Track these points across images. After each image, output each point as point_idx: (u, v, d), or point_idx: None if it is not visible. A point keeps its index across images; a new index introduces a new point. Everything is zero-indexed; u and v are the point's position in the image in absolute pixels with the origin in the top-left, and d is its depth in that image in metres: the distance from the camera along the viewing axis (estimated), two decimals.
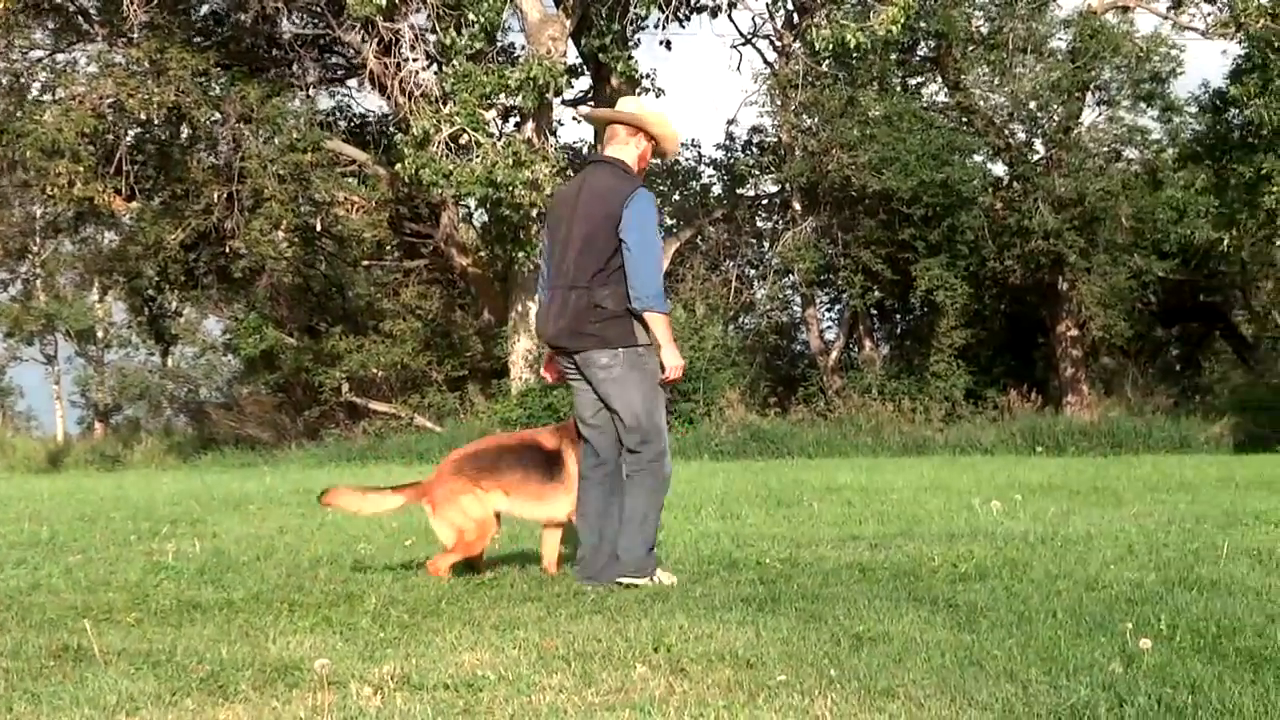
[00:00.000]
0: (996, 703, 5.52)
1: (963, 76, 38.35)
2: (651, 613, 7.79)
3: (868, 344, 40.12)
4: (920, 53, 40.17)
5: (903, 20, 30.97)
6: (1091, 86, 37.81)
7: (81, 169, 33.09)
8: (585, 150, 43.16)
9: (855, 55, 32.28)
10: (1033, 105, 37.53)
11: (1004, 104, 38.11)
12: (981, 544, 10.75)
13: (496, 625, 7.54)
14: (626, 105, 10.18)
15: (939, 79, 40.39)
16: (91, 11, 36.16)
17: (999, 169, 39.38)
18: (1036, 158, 38.11)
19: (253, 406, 47.54)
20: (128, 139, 35.38)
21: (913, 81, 40.76)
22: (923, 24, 36.89)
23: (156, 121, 34.85)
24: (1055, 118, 37.65)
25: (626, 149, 9.85)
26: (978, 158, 37.49)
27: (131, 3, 31.91)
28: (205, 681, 6.20)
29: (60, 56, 37.30)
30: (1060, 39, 38.11)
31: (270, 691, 6.00)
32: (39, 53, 37.07)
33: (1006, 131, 38.45)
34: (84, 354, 70.31)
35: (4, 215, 38.58)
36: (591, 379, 9.41)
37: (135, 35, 34.36)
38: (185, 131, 37.06)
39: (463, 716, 5.54)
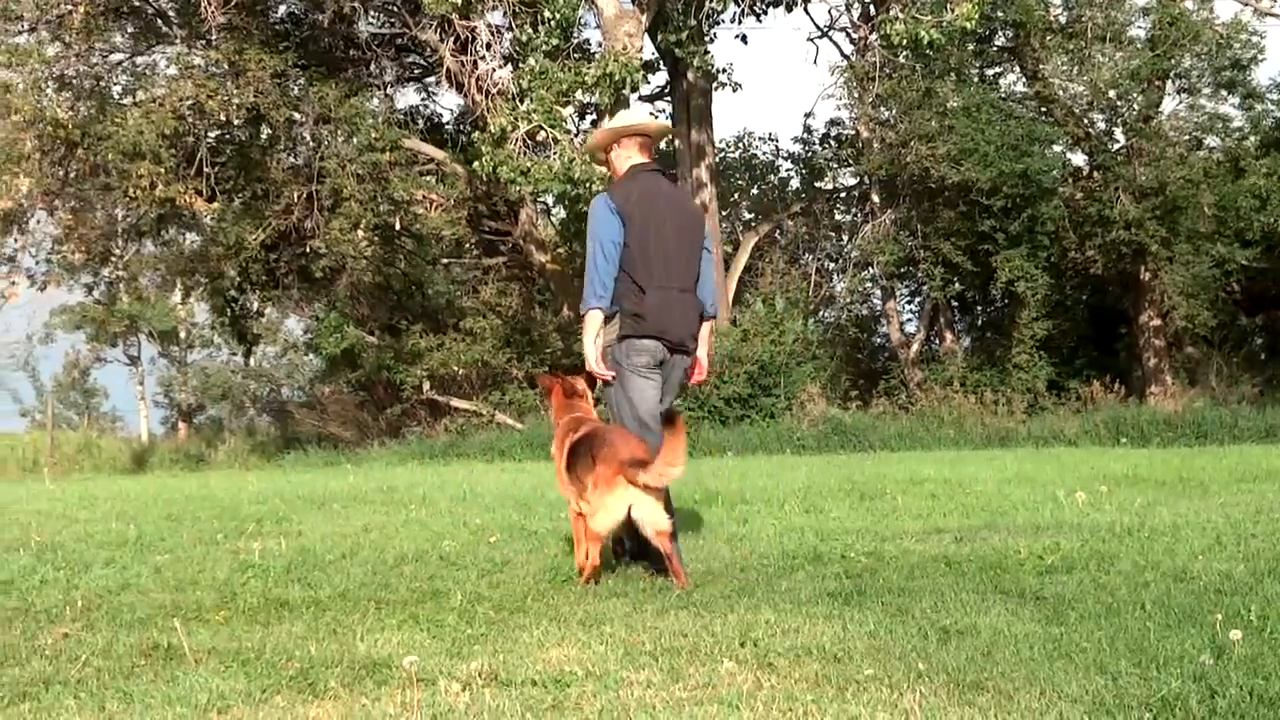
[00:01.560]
0: (1087, 695, 5.48)
1: (1041, 66, 38.11)
2: (738, 608, 7.78)
3: (949, 336, 39.92)
4: (998, 43, 39.93)
5: (976, 16, 30.78)
6: (1171, 74, 37.49)
7: (163, 171, 33.28)
8: (663, 146, 43.15)
9: (930, 49, 32.08)
10: (1112, 94, 37.24)
11: (1083, 93, 37.83)
12: (1067, 536, 10.66)
13: (583, 621, 7.55)
14: (636, 115, 10.81)
15: (1017, 69, 40.16)
16: (170, 14, 36.36)
17: (1079, 159, 39.13)
18: (1117, 147, 37.80)
19: (335, 405, 47.81)
20: (208, 140, 35.56)
21: (991, 72, 40.52)
22: (1000, 14, 36.67)
23: (236, 122, 35.06)
24: (1135, 106, 37.33)
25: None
26: (1057, 148, 37.18)
27: (209, 5, 32.07)
28: (295, 679, 6.23)
29: (140, 59, 37.50)
30: (1139, 27, 37.84)
31: (359, 689, 6.03)
32: (119, 56, 37.30)
33: (1086, 121, 38.18)
34: (167, 355, 70.94)
35: (87, 218, 38.77)
36: (671, 378, 10.08)
37: (214, 37, 34.54)
38: (265, 132, 37.27)
39: (551, 713, 5.55)
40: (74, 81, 35.25)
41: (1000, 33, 39.11)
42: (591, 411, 10.12)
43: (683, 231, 10.14)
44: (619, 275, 9.90)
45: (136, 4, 36.38)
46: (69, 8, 33.45)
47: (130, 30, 36.96)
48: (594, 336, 9.88)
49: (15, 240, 41.63)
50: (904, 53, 34.21)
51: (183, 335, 69.83)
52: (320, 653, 6.81)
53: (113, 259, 44.20)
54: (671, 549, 9.13)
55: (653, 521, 9.08)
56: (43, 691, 6.18)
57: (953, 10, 30.39)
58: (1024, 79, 39.85)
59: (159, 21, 35.86)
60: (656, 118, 11.01)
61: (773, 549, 10.61)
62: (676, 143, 38.08)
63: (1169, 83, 37.83)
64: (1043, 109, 38.21)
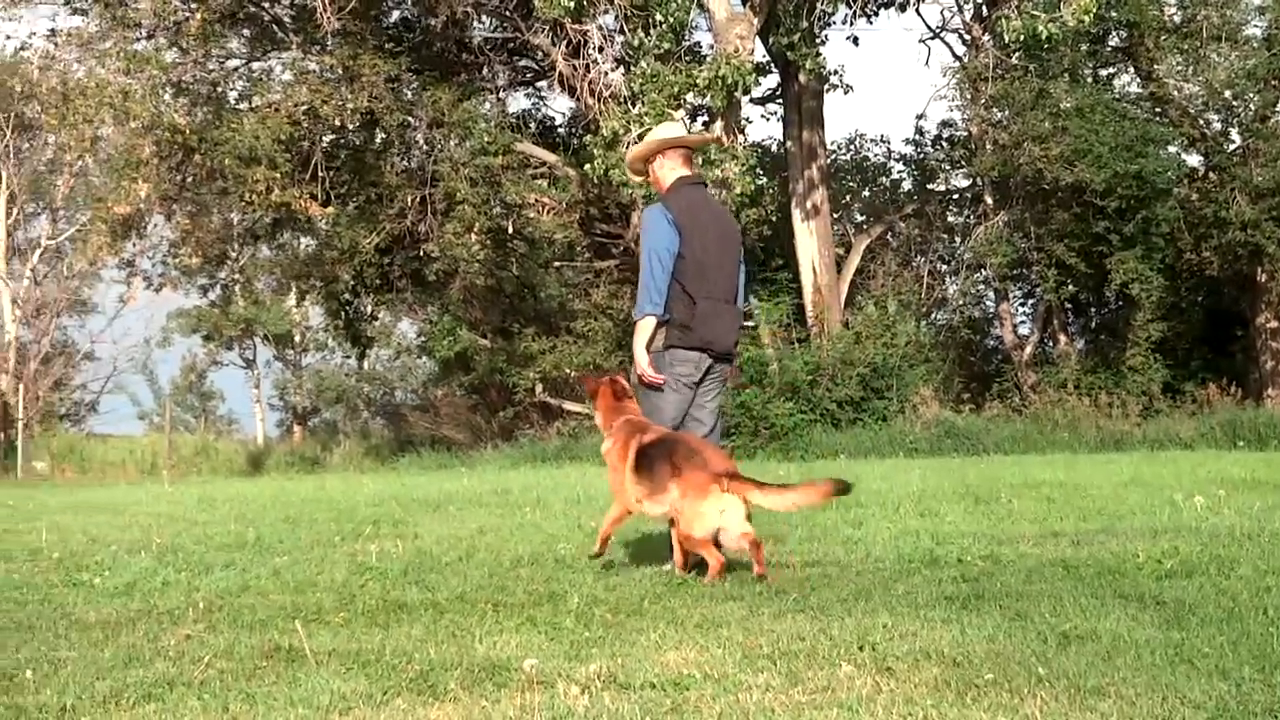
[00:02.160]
0: (1210, 701, 5.44)
1: (1155, 66, 37.81)
2: (855, 611, 7.76)
3: (1062, 338, 39.67)
4: (1112, 43, 39.63)
5: (1094, 10, 30.52)
6: None
7: (278, 175, 33.61)
8: (774, 148, 43.12)
9: (1045, 47, 31.83)
10: (1228, 94, 36.90)
11: (1198, 93, 37.52)
12: (1186, 540, 10.55)
13: (700, 624, 7.55)
14: (677, 129, 11.48)
15: (1131, 69, 39.86)
16: (286, 20, 36.67)
17: (1194, 160, 38.77)
18: (1232, 148, 37.45)
19: (448, 408, 48.11)
20: (323, 145, 35.86)
21: (1104, 72, 40.23)
22: (1114, 14, 36.35)
23: (350, 127, 35.34)
24: (1251, 106, 36.95)
25: None
26: (1172, 149, 36.89)
27: (325, 11, 32.31)
28: (415, 681, 6.27)
29: (256, 65, 37.88)
30: (1256, 26, 37.48)
31: (479, 691, 6.05)
32: (235, 61, 37.69)
33: (1201, 121, 37.85)
34: (282, 358, 71.63)
35: (203, 222, 39.25)
36: (713, 385, 10.53)
37: (328, 43, 34.82)
38: (379, 137, 37.53)
39: (670, 716, 5.55)
40: (191, 87, 35.66)
41: (1114, 33, 38.83)
42: (639, 413, 10.26)
43: (725, 243, 10.45)
44: (671, 284, 10.16)
45: (253, 10, 36.75)
46: (186, 14, 33.85)
47: (246, 36, 37.34)
48: (646, 342, 10.18)
49: (134, 245, 42.21)
50: (1017, 53, 33.98)
51: (297, 339, 70.45)
52: (440, 655, 6.85)
53: (228, 263, 44.70)
54: (758, 552, 9.43)
55: (741, 529, 9.40)
56: (167, 692, 6.24)
57: (1068, 7, 30.15)
58: (1138, 79, 39.56)
59: (275, 27, 36.18)
60: (690, 130, 11.46)
61: (888, 552, 10.57)
62: (788, 145, 38.05)
63: None
64: (1157, 110, 37.91)
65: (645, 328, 10.13)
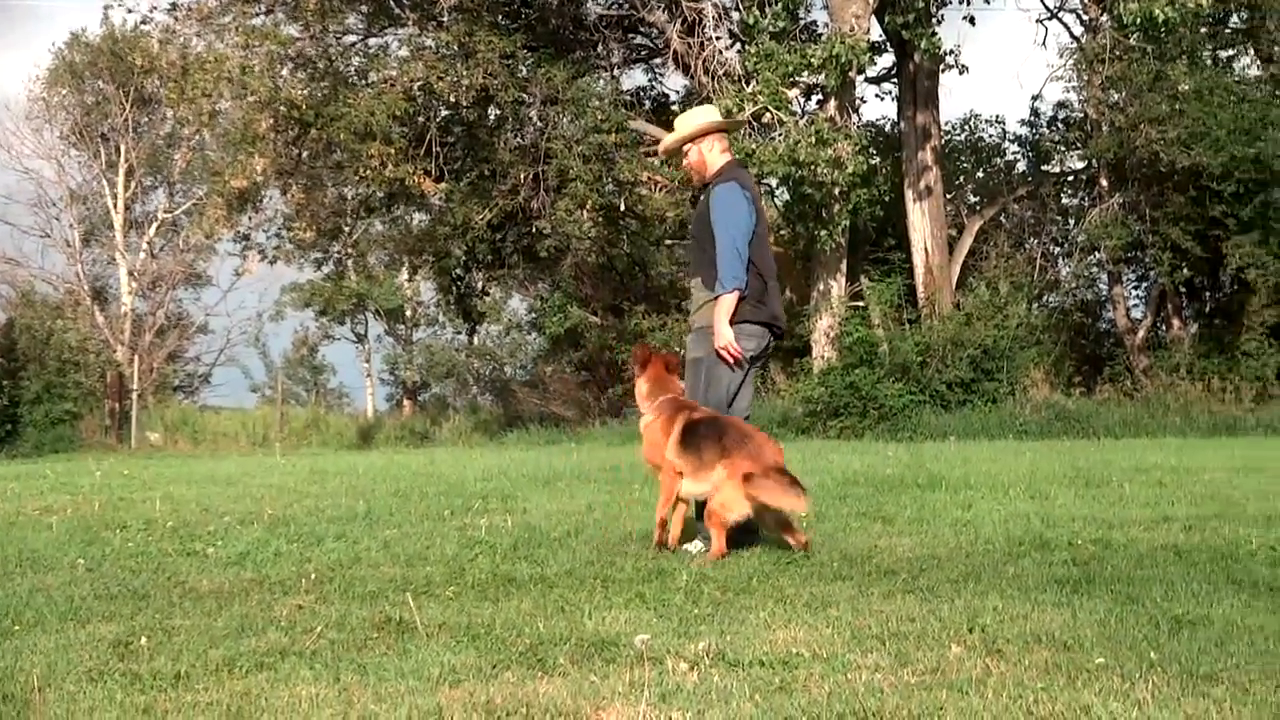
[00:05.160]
0: None
1: (1276, 48, 37.33)
2: (964, 593, 7.75)
3: (1176, 322, 39.30)
4: (1232, 25, 39.16)
5: None
6: None
7: (393, 151, 33.81)
8: (888, 128, 42.95)
9: (1164, 29, 31.51)
10: None
11: None
12: None
13: (809, 603, 7.56)
14: (705, 114, 11.24)
15: (1251, 52, 39.38)
16: None
17: None
18: None
19: (557, 384, 48.24)
20: (437, 121, 36.02)
21: (1224, 54, 39.76)
22: None
23: (465, 104, 35.40)
24: None
25: None
26: None
27: None
28: (524, 655, 6.31)
29: (373, 40, 38.09)
30: None
31: (588, 666, 6.09)
32: (352, 37, 37.89)
33: None
34: (393, 333, 72.04)
35: (318, 196, 39.45)
36: (759, 367, 10.87)
37: (445, 19, 34.95)
38: (492, 113, 37.63)
39: (779, 694, 5.56)
40: (308, 63, 35.87)
41: (1235, 14, 38.34)
42: (682, 391, 10.48)
43: (766, 224, 10.73)
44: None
45: None
46: None
47: (364, 12, 37.51)
48: (729, 316, 10.22)
49: (249, 219, 42.54)
50: (1135, 34, 33.65)
51: (409, 313, 70.81)
52: (549, 629, 6.89)
53: (342, 237, 44.97)
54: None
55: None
56: (279, 662, 6.32)
57: None
58: (1258, 62, 39.06)
59: (391, 3, 36.30)
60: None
61: (998, 535, 10.53)
62: (902, 124, 37.88)
63: None
64: (1277, 93, 37.41)
65: (730, 302, 10.20)
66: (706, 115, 11.08)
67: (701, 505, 9.91)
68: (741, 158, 9.97)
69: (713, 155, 10.74)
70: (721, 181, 10.48)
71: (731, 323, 10.21)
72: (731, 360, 10.27)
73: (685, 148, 10.87)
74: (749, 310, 10.29)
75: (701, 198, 10.80)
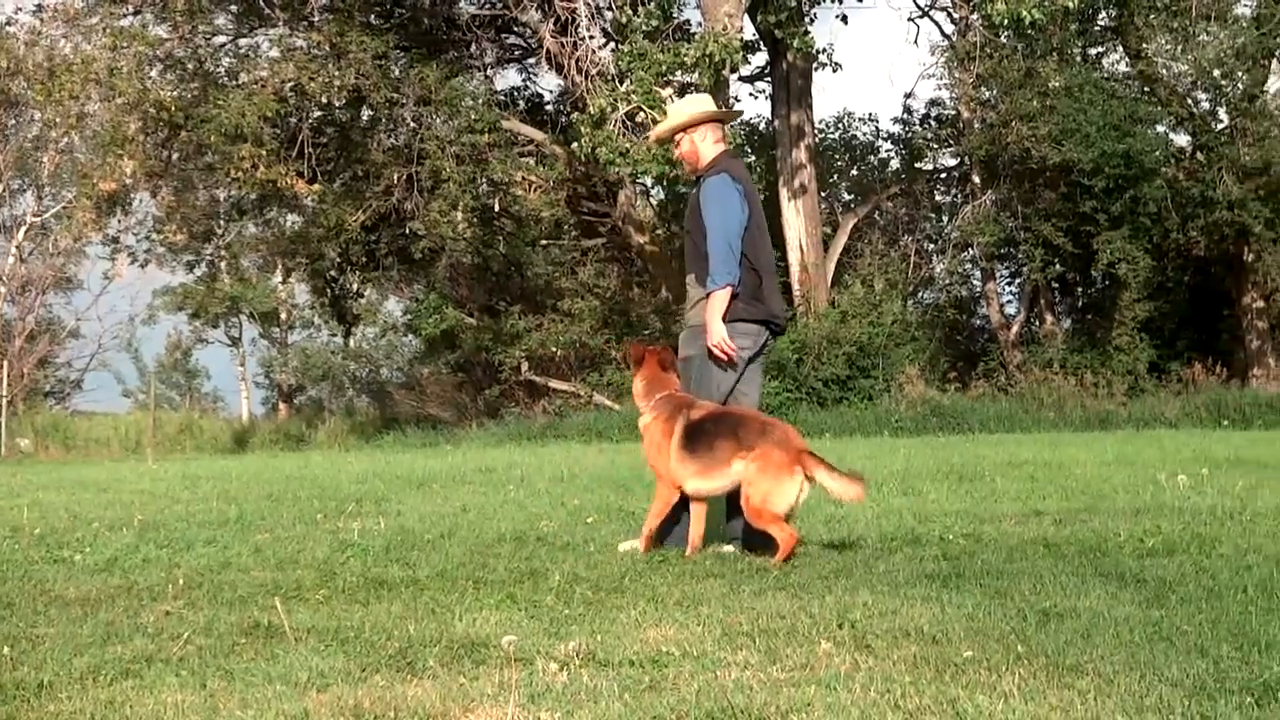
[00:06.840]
0: (1187, 678, 5.42)
1: (1144, 45, 37.82)
2: (835, 589, 7.75)
3: (1049, 318, 39.74)
4: (1100, 22, 39.61)
5: None
6: (1277, 53, 37.09)
7: (264, 152, 33.56)
8: (762, 127, 43.11)
9: (1033, 28, 31.84)
10: (1217, 73, 36.90)
11: (1187, 72, 37.55)
12: (1168, 519, 10.59)
13: (680, 602, 7.53)
14: (699, 103, 11.07)
15: (1120, 48, 39.86)
16: None
17: (1182, 139, 38.82)
18: (1220, 127, 37.49)
19: (433, 386, 48.17)
20: (309, 122, 35.82)
21: (1093, 51, 40.23)
22: None
23: (337, 104, 35.26)
24: (1240, 85, 36.97)
25: None
26: (1160, 128, 36.97)
27: None
28: (394, 658, 6.25)
29: (243, 41, 37.81)
30: (1245, 4, 37.58)
31: (458, 668, 6.03)
32: (222, 38, 37.60)
33: (1189, 101, 37.87)
34: (268, 336, 71.60)
35: (189, 199, 39.15)
36: (762, 362, 10.44)
37: (316, 19, 34.77)
38: (365, 114, 37.48)
39: (649, 693, 5.53)
40: (177, 64, 35.56)
41: (1103, 11, 38.78)
42: (679, 388, 10.06)
43: (762, 215, 10.35)
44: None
45: None
46: None
47: (233, 12, 37.25)
48: (722, 313, 9.89)
49: (119, 221, 42.08)
50: (1005, 32, 33.97)
51: (283, 316, 70.38)
52: (419, 632, 6.83)
53: (214, 240, 44.62)
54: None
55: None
56: (145, 669, 6.22)
57: None
58: (1127, 59, 39.57)
59: (261, 3, 36.06)
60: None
61: (870, 531, 10.57)
62: (776, 123, 38.05)
63: (1274, 61, 37.43)
64: (1145, 89, 37.94)
65: (724, 299, 9.85)
66: (700, 104, 10.84)
67: (730, 503, 9.79)
68: (735, 148, 9.66)
69: (705, 146, 10.38)
70: (713, 173, 10.22)
71: (725, 321, 9.91)
72: (725, 360, 9.99)
73: (677, 137, 10.54)
74: (743, 308, 9.97)
75: (694, 190, 10.57)
